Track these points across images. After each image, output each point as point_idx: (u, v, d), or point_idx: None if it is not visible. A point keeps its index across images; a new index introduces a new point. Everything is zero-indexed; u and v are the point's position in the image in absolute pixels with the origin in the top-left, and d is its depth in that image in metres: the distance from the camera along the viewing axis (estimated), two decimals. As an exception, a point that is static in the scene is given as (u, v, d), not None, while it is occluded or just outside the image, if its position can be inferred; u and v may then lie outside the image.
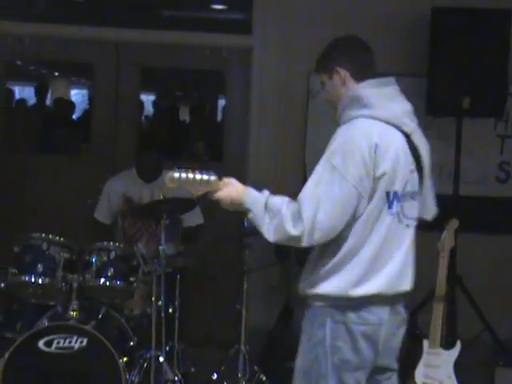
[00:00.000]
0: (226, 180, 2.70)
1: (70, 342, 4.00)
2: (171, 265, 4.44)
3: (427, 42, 5.07)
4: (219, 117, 6.99)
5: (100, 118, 5.94)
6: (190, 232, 4.98)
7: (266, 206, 2.59)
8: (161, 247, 4.29)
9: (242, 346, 4.53)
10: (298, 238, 2.54)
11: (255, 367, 4.67)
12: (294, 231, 2.52)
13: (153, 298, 4.29)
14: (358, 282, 2.63)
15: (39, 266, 4.24)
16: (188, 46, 5.83)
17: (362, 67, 2.77)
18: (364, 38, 5.65)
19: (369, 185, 2.57)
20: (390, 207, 2.64)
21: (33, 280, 4.22)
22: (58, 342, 3.99)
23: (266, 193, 2.66)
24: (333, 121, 2.80)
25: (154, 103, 6.70)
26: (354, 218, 2.58)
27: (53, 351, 3.98)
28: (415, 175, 2.76)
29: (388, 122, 2.67)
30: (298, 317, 5.51)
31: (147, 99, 6.34)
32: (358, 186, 2.55)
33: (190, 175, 2.64)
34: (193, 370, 4.68)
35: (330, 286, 2.65)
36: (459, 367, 4.03)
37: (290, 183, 5.28)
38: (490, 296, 5.22)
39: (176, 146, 6.43)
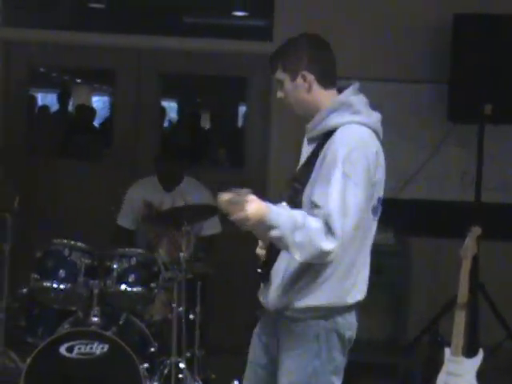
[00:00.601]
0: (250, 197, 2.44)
1: (91, 348, 3.97)
2: (192, 271, 4.43)
3: (449, 48, 5.05)
4: (240, 123, 6.99)
5: (121, 125, 5.96)
6: (208, 240, 4.95)
7: (293, 222, 2.39)
8: (181, 253, 4.28)
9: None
10: (328, 254, 2.41)
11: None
12: (326, 246, 2.39)
13: (174, 305, 4.28)
14: (351, 289, 2.61)
15: (61, 271, 4.23)
16: (209, 52, 5.81)
17: (328, 72, 2.66)
18: (386, 44, 5.68)
19: (371, 193, 2.54)
20: (376, 214, 2.62)
21: (54, 286, 4.21)
22: (80, 348, 3.97)
23: (287, 207, 2.51)
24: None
25: (176, 110, 6.73)
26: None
27: (74, 357, 3.97)
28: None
29: (373, 129, 2.61)
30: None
31: (169, 106, 6.36)
32: (368, 195, 2.51)
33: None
34: (213, 376, 4.64)
35: (326, 297, 2.58)
36: (481, 375, 3.99)
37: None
38: (513, 303, 5.18)
39: (197, 152, 6.44)
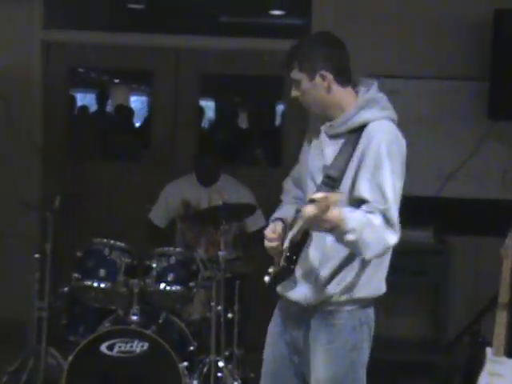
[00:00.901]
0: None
1: (131, 346, 4.02)
2: (231, 270, 4.46)
3: (490, 45, 5.01)
4: (277, 122, 6.98)
5: (159, 125, 6.00)
6: (250, 237, 4.97)
7: (361, 223, 2.42)
8: (220, 253, 4.29)
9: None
10: (390, 248, 2.51)
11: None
12: (391, 240, 2.47)
13: (212, 303, 4.30)
14: (383, 279, 2.70)
15: (101, 270, 4.29)
16: (247, 51, 5.82)
17: (344, 70, 2.67)
18: (425, 41, 5.63)
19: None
20: None
21: (95, 285, 4.27)
22: (120, 346, 4.02)
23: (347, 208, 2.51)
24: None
25: (214, 109, 6.76)
26: None
27: (114, 355, 4.02)
28: None
29: (397, 125, 2.67)
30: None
31: (206, 105, 6.39)
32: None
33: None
34: (252, 375, 4.62)
35: (366, 289, 2.64)
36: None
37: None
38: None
39: (234, 151, 6.46)
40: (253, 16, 6.15)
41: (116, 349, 4.02)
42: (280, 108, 6.32)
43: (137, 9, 6.27)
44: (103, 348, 4.01)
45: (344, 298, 2.62)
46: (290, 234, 2.58)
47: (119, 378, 4.04)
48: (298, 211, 2.61)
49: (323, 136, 2.70)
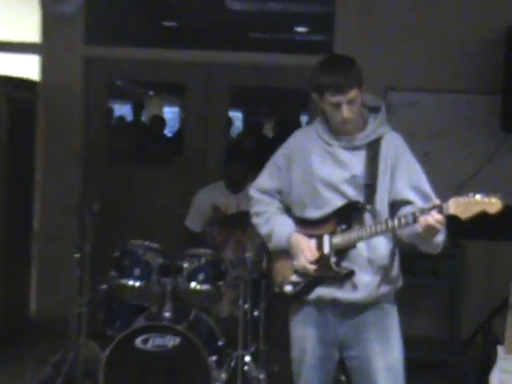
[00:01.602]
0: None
1: (164, 341, 4.02)
2: (257, 270, 4.39)
3: (502, 59, 4.98)
4: None
5: (191, 134, 6.01)
6: None
7: None
8: (247, 254, 4.28)
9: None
10: None
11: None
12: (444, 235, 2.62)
13: (240, 302, 4.30)
14: None
15: (136, 270, 4.30)
16: (273, 66, 5.82)
17: None
18: (441, 56, 5.63)
19: None
20: None
21: (130, 283, 4.28)
22: (154, 341, 4.02)
23: None
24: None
25: (241, 119, 6.77)
26: None
27: (149, 348, 4.02)
28: None
29: None
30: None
31: (235, 115, 6.40)
32: None
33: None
34: (276, 369, 4.65)
35: (401, 280, 2.81)
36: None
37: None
38: None
39: (260, 159, 6.44)
40: (279, 32, 6.15)
41: (150, 343, 4.02)
42: (304, 118, 6.32)
43: (170, 26, 6.32)
44: (138, 342, 4.02)
45: (391, 292, 2.77)
46: (329, 242, 2.71)
47: (152, 369, 4.03)
48: (341, 222, 2.71)
49: (337, 149, 2.77)
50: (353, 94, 2.70)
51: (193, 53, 5.85)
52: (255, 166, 5.80)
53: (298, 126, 6.96)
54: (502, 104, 4.97)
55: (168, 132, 6.60)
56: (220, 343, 4.34)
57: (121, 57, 5.92)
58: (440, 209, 2.44)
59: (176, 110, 6.70)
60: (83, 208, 4.74)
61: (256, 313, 4.51)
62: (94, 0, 5.83)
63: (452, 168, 5.31)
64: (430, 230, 2.47)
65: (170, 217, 5.15)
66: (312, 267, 2.72)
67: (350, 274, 2.67)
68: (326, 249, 2.69)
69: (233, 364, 4.31)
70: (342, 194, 2.71)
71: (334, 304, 2.74)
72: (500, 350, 3.91)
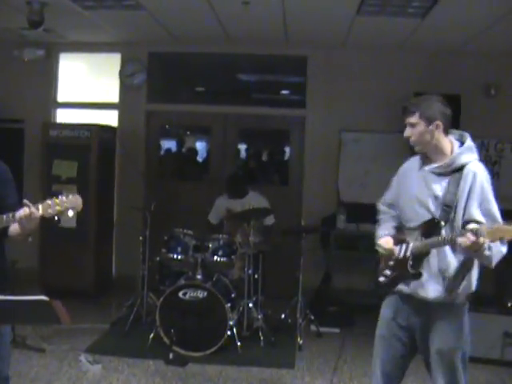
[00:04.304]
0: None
1: (197, 294, 4.06)
2: (256, 248, 4.48)
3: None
4: (286, 157, 6.98)
5: (214, 160, 5.96)
6: (268, 228, 4.94)
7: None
8: (250, 238, 4.35)
9: (299, 298, 4.47)
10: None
11: (307, 311, 4.65)
12: (505, 251, 2.17)
13: (246, 269, 4.35)
14: None
15: (178, 248, 4.33)
16: (267, 115, 5.80)
17: (449, 125, 2.34)
18: (374, 109, 5.44)
19: None
20: None
21: (175, 256, 4.32)
22: (190, 293, 4.06)
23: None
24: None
25: (246, 150, 6.77)
26: None
27: (187, 299, 4.06)
28: None
29: None
30: (335, 280, 5.37)
31: (241, 147, 6.44)
32: None
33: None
34: (269, 312, 4.66)
35: (474, 285, 2.32)
36: None
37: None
38: None
39: (259, 175, 6.42)
40: (270, 93, 6.21)
41: (188, 295, 4.06)
42: (287, 149, 6.37)
43: (202, 90, 6.40)
44: (180, 294, 4.06)
45: (461, 295, 2.29)
46: (411, 247, 2.31)
47: (189, 312, 4.04)
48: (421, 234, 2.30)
49: (428, 173, 2.33)
50: (413, 119, 2.30)
51: (215, 107, 5.84)
52: (256, 180, 5.91)
53: (284, 153, 6.99)
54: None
55: (199, 158, 6.60)
56: (233, 295, 4.34)
57: (169, 110, 5.90)
58: (475, 232, 2.02)
59: (205, 143, 6.74)
60: (145, 207, 4.79)
61: (256, 276, 4.56)
62: (153, 75, 5.85)
63: (384, 183, 5.27)
64: (467, 249, 2.07)
65: (201, 214, 5.11)
66: (384, 264, 2.39)
67: (418, 275, 2.28)
68: (408, 252, 2.32)
69: (241, 309, 4.34)
70: (428, 210, 2.29)
71: (410, 298, 2.36)
72: None
